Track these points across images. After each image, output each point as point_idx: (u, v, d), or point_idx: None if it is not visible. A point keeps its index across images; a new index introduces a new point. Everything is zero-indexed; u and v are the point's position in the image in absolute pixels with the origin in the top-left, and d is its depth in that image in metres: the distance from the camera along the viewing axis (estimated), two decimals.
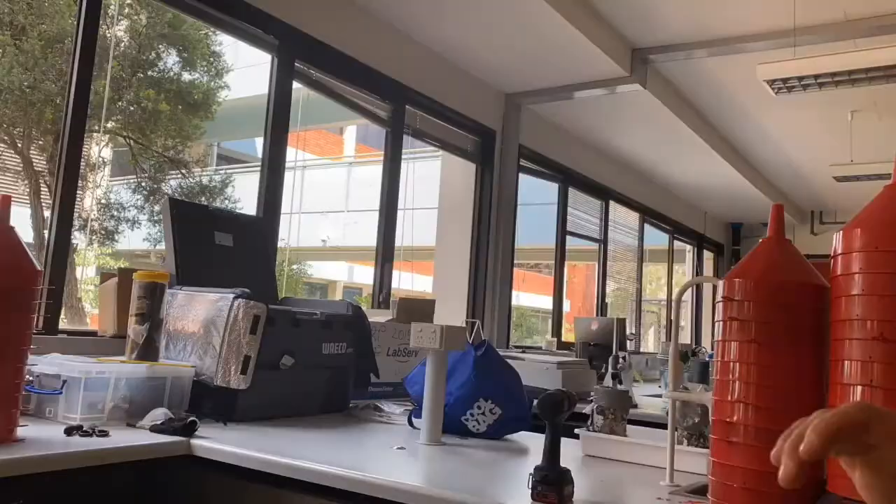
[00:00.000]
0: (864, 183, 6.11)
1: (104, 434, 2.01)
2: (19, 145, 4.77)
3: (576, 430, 2.19)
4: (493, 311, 5.15)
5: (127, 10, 5.43)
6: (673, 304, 2.06)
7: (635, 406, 3.67)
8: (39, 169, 4.81)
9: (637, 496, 1.76)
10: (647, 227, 8.08)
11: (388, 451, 2.07)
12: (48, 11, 4.74)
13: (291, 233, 4.51)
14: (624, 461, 2.11)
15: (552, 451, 1.63)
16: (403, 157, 4.47)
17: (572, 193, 6.46)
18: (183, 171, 6.13)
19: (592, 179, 6.70)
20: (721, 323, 1.54)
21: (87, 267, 5.58)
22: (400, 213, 4.44)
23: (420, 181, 4.97)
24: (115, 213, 5.78)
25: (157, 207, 5.83)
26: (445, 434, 2.33)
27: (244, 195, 6.33)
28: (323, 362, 2.60)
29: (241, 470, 1.87)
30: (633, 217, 7.86)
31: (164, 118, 5.67)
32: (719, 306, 1.56)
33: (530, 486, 1.60)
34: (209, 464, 1.97)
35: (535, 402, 1.71)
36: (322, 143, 12.34)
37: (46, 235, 2.74)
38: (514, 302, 5.50)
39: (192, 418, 2.13)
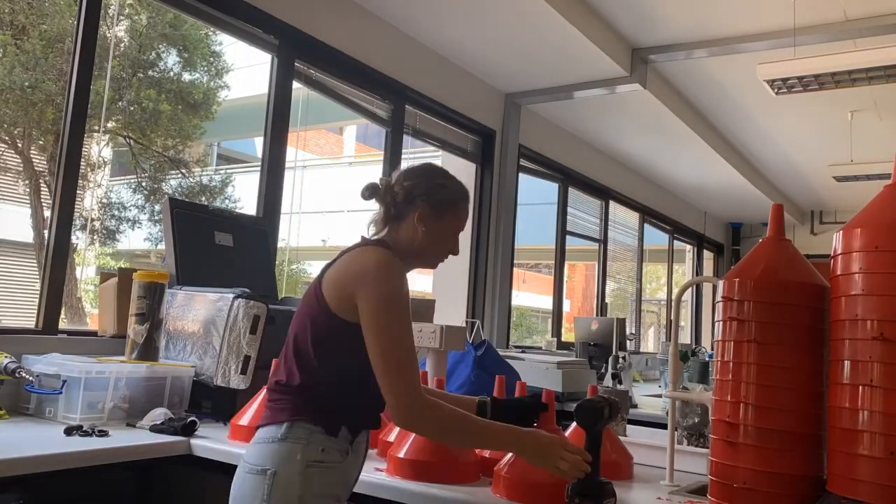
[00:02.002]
0: (864, 183, 6.11)
1: (104, 434, 2.01)
2: (20, 145, 4.77)
3: None
4: (492, 311, 5.15)
5: (127, 10, 5.43)
6: (673, 304, 2.06)
7: (635, 406, 3.68)
8: (40, 169, 4.81)
9: (637, 496, 1.76)
10: (646, 226, 8.07)
11: None
12: (49, 11, 4.74)
13: (291, 233, 4.49)
14: None
15: (592, 463, 1.45)
16: (403, 157, 4.47)
17: (572, 193, 6.46)
18: (183, 170, 6.13)
19: (592, 179, 6.70)
20: (721, 323, 1.54)
21: (87, 267, 5.57)
22: None
23: None
24: (116, 213, 5.77)
25: (157, 207, 5.82)
26: None
27: (244, 195, 6.33)
28: None
29: None
30: (632, 217, 7.86)
31: (164, 118, 5.66)
32: (719, 306, 1.55)
33: (567, 498, 1.45)
34: (209, 464, 1.97)
35: (574, 406, 1.56)
36: (322, 143, 12.32)
37: (46, 235, 2.74)
38: (514, 302, 5.50)
39: (192, 418, 2.13)
